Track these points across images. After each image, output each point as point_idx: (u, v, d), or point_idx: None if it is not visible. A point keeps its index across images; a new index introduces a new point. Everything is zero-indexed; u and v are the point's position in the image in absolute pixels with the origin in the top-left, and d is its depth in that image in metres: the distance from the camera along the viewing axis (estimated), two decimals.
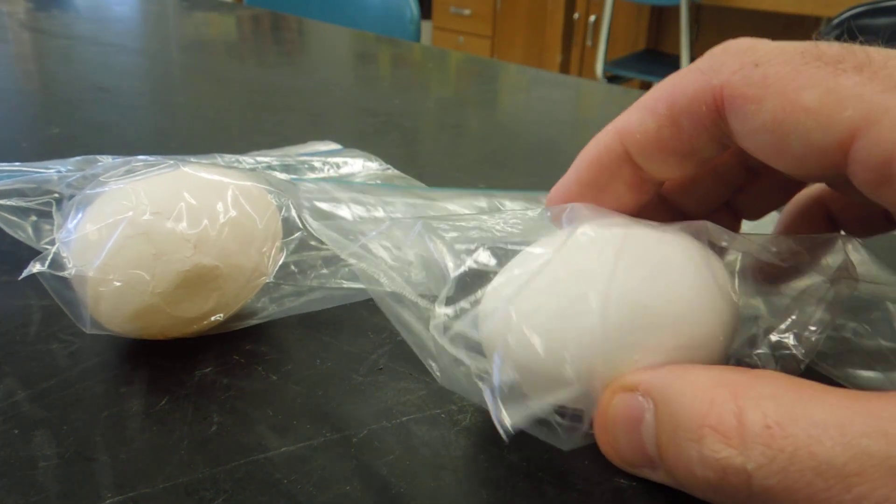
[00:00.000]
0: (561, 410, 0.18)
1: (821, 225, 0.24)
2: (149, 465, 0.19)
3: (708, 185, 0.23)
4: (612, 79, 2.23)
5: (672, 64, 2.15)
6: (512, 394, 0.17)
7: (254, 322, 0.25)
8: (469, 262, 0.20)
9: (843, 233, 0.23)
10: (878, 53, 0.16)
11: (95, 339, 0.24)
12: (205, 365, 0.23)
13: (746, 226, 0.25)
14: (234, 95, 0.60)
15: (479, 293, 0.19)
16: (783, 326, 0.20)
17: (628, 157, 0.20)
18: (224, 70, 0.69)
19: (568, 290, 0.18)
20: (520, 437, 0.21)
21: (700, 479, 0.15)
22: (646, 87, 2.32)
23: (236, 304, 0.24)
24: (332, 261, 0.28)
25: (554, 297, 0.18)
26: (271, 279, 0.25)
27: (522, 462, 0.20)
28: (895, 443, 0.13)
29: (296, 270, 0.27)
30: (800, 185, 0.24)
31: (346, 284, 0.27)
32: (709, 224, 0.20)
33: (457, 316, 0.19)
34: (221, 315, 0.23)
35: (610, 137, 0.20)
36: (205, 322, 0.23)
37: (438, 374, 0.20)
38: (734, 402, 0.15)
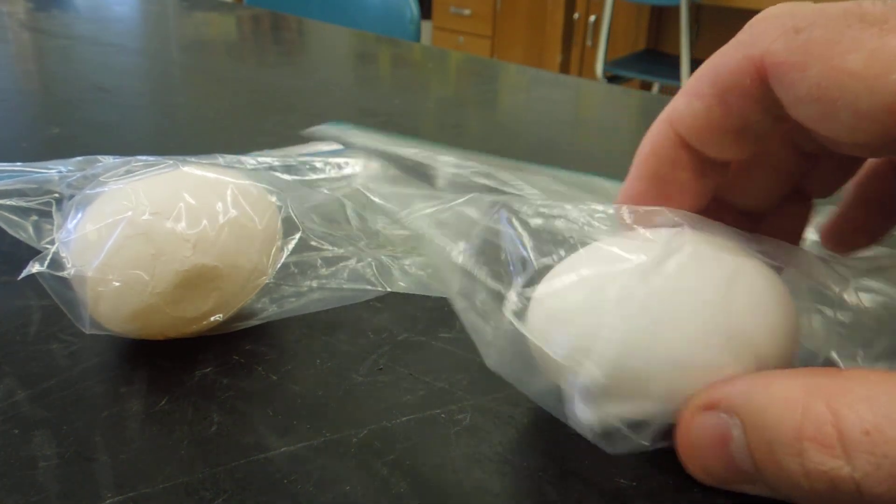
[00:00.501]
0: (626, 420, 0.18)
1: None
2: (149, 465, 0.19)
3: (765, 180, 0.22)
4: (612, 79, 2.23)
5: (672, 64, 2.15)
6: (591, 394, 0.17)
7: (254, 322, 0.25)
8: (555, 258, 0.19)
9: None
10: None
11: (95, 339, 0.24)
12: (205, 365, 0.23)
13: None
14: (234, 95, 0.60)
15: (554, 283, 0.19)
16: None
17: (683, 143, 0.19)
18: (224, 70, 0.69)
19: (673, 309, 0.17)
20: (520, 437, 0.21)
21: (809, 492, 0.15)
22: (646, 86, 2.32)
23: (236, 305, 0.24)
24: (333, 261, 0.28)
25: (660, 317, 0.17)
26: (271, 279, 0.25)
27: (522, 462, 0.20)
28: None
29: (296, 271, 0.27)
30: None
31: (347, 285, 0.27)
32: (812, 257, 0.19)
33: (523, 303, 0.19)
34: (221, 315, 0.23)
35: (661, 127, 0.19)
36: (204, 322, 0.23)
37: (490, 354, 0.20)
38: (828, 408, 0.14)
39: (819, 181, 0.23)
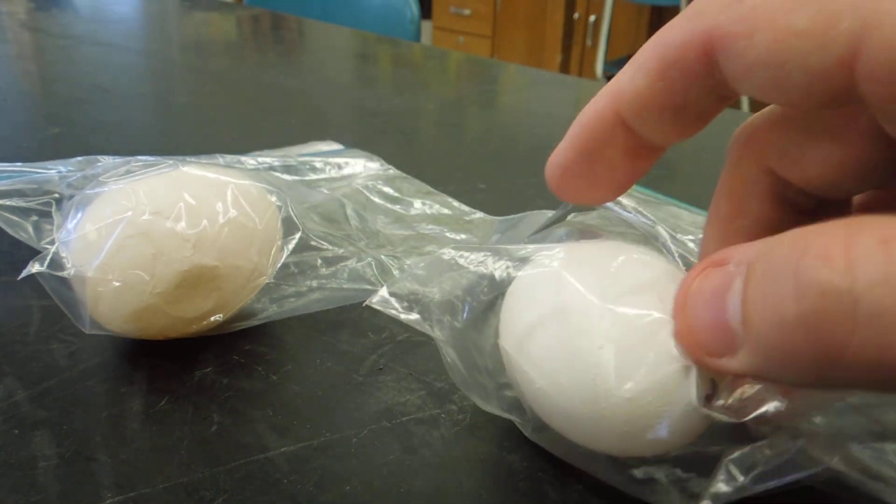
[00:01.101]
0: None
1: None
2: (149, 465, 0.19)
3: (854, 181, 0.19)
4: (611, 79, 2.23)
5: None
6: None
7: (254, 322, 0.25)
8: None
9: None
10: None
11: (95, 339, 0.24)
12: (205, 365, 0.23)
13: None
14: (234, 95, 0.60)
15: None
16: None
17: (620, 121, 0.19)
18: (224, 70, 0.69)
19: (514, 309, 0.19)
20: (520, 437, 0.21)
21: (791, 322, 0.13)
22: None
23: (236, 305, 0.24)
24: (333, 261, 0.28)
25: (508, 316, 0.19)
26: (271, 279, 0.25)
27: (522, 462, 0.20)
28: None
29: (296, 271, 0.27)
30: None
31: (347, 285, 0.27)
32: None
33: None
34: (221, 315, 0.23)
35: (602, 101, 0.19)
36: (204, 322, 0.23)
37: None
38: (844, 229, 0.13)
39: None
